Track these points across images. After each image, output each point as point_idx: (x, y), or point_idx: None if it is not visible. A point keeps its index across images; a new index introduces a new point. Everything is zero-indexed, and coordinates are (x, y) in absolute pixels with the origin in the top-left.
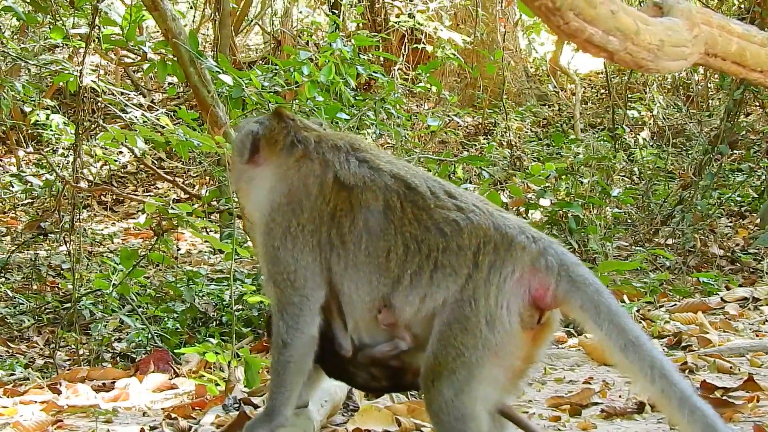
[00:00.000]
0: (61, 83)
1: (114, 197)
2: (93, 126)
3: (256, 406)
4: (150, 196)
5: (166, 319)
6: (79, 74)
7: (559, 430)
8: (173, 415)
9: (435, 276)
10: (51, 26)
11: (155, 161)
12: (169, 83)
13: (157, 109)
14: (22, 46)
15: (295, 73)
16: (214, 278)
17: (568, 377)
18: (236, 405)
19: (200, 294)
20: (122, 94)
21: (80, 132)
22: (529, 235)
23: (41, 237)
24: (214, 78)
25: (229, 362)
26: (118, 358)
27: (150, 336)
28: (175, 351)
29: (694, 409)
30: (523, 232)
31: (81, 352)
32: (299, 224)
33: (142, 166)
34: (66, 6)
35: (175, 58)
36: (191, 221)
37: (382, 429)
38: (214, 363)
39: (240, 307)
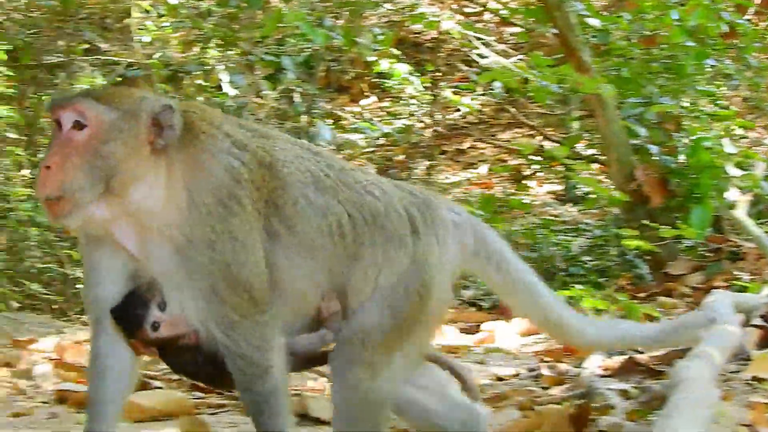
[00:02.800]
0: (401, 33)
1: (456, 147)
2: (448, 72)
3: (639, 352)
4: (491, 146)
5: None
6: (438, 19)
7: None
8: (546, 358)
9: (388, 246)
10: None
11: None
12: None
13: (510, 56)
14: None
15: (664, 17)
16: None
17: None
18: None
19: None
20: (477, 39)
21: (435, 79)
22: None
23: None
24: (580, 22)
25: (608, 307)
26: (466, 305)
27: None
28: (556, 270)
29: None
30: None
31: None
32: (242, 223)
33: (482, 116)
34: None
35: (540, 2)
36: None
37: None
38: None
39: (588, 257)
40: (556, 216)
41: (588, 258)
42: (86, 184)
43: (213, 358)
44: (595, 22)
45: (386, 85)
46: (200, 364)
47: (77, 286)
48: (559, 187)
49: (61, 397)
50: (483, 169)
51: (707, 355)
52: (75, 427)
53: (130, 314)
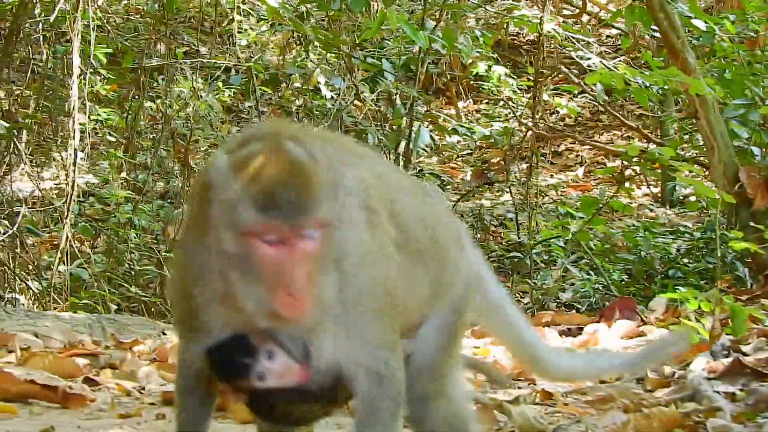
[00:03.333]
0: (500, 36)
1: (552, 150)
2: (551, 74)
3: (744, 354)
4: (588, 149)
5: (612, 270)
6: (540, 21)
7: None
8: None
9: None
10: None
11: (594, 113)
12: (620, 34)
13: (613, 58)
14: None
15: None
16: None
17: None
18: (725, 352)
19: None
20: (578, 41)
21: (539, 79)
22: None
23: (486, 186)
24: (685, 23)
25: (714, 309)
26: (563, 308)
27: (596, 287)
28: (655, 292)
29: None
30: None
31: (525, 301)
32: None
33: (580, 118)
34: None
35: (643, 4)
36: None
37: None
38: (682, 312)
39: (687, 260)
40: (653, 219)
41: (687, 261)
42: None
43: (318, 395)
44: (699, 23)
45: (484, 87)
46: (298, 403)
47: None
48: (656, 190)
49: (168, 399)
50: (580, 171)
51: None
52: None
53: (234, 361)
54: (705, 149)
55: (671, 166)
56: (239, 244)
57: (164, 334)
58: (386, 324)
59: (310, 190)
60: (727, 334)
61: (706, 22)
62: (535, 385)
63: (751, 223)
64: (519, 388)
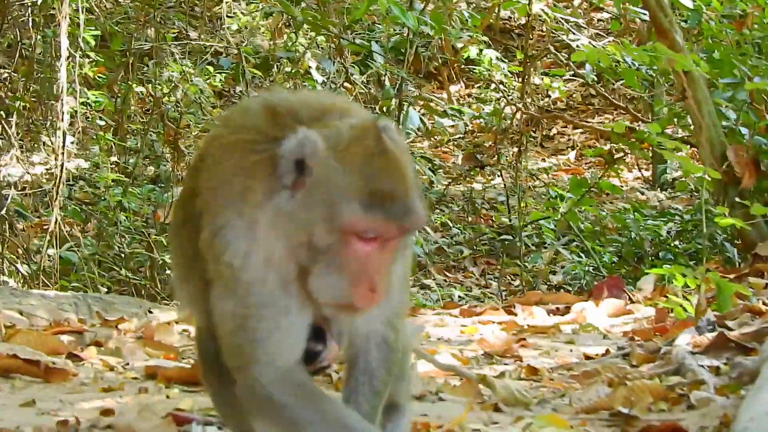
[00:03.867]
0: (491, 20)
1: (543, 134)
2: (540, 56)
3: (729, 329)
4: (579, 132)
5: (602, 252)
6: (528, 2)
7: None
8: (636, 338)
9: None
10: None
11: (585, 97)
12: (612, 17)
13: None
14: None
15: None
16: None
17: None
18: (710, 327)
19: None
20: (568, 21)
21: (527, 62)
22: None
23: (476, 170)
24: (673, 3)
25: (699, 285)
26: (553, 290)
27: (587, 269)
28: (645, 271)
29: None
30: None
31: (516, 283)
32: None
33: (571, 101)
34: None
35: None
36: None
37: None
38: (670, 290)
39: (677, 242)
40: (644, 201)
41: (676, 243)
42: None
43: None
44: (687, 2)
45: (475, 71)
46: None
47: (166, 270)
48: (647, 173)
49: (151, 373)
50: (571, 155)
51: None
52: (164, 400)
53: (309, 349)
54: (693, 129)
55: (659, 144)
56: (332, 236)
57: (150, 312)
58: (407, 292)
59: (415, 189)
60: (713, 311)
61: (693, 1)
62: (521, 361)
63: (738, 199)
64: (505, 364)
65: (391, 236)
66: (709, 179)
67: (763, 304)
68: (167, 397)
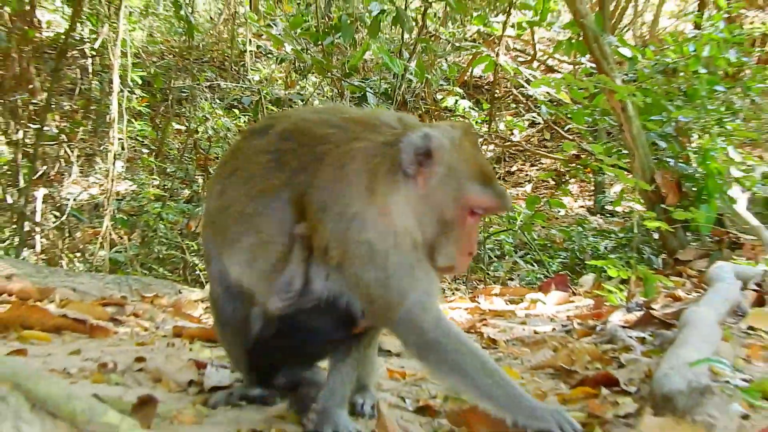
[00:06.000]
0: (467, 74)
1: (506, 170)
2: (504, 97)
3: (654, 309)
4: (536, 169)
5: (551, 263)
6: (495, 55)
7: None
8: (577, 320)
9: None
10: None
11: (540, 141)
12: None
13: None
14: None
15: (683, 48)
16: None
17: None
18: (638, 308)
19: (582, 243)
20: (526, 75)
21: (493, 107)
22: None
23: None
24: (614, 52)
25: (629, 277)
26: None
27: (539, 276)
28: (585, 264)
29: None
30: None
31: (481, 287)
32: None
33: (529, 144)
34: None
35: (580, 37)
36: (596, 168)
37: None
38: (605, 285)
39: (613, 255)
40: (588, 222)
41: (613, 255)
42: None
43: None
44: (626, 51)
45: (452, 117)
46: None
47: (196, 271)
48: (589, 203)
49: (178, 332)
50: (528, 187)
51: (712, 302)
52: (187, 353)
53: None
54: (629, 156)
55: (600, 169)
56: (456, 211)
57: (180, 292)
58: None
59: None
60: (641, 297)
61: (631, 51)
62: (483, 336)
63: (662, 205)
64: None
65: (495, 211)
66: (639, 198)
67: (682, 294)
68: (190, 350)
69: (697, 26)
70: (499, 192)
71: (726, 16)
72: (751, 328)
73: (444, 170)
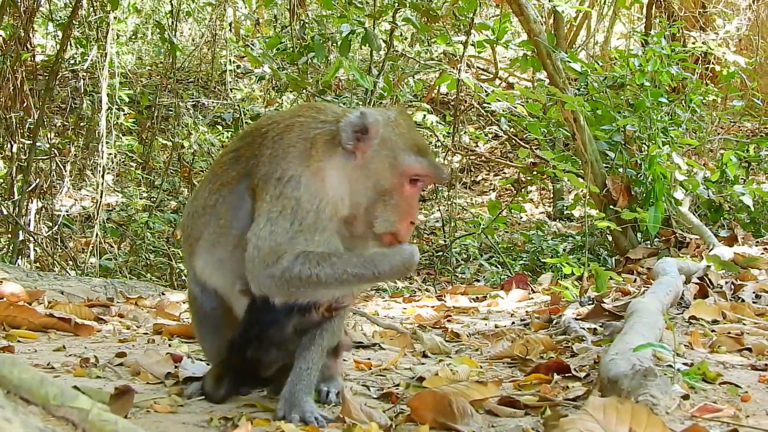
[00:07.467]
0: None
1: (472, 179)
2: (466, 115)
3: (604, 302)
4: (500, 178)
5: (513, 265)
6: (457, 71)
7: None
8: (536, 315)
9: None
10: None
11: (503, 153)
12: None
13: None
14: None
15: (629, 62)
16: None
17: None
18: (590, 302)
19: (542, 245)
20: (487, 86)
21: (456, 120)
22: None
23: (420, 203)
24: (565, 68)
25: (583, 274)
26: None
27: (502, 277)
28: (541, 261)
29: None
30: None
31: (449, 288)
32: None
33: (492, 155)
34: (452, 15)
35: (534, 53)
36: (552, 174)
37: None
38: (561, 283)
39: (571, 257)
40: (548, 226)
41: (571, 257)
42: None
43: None
44: (576, 66)
45: (420, 131)
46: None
47: (182, 277)
48: (550, 209)
49: (158, 329)
50: (492, 195)
51: (656, 293)
52: (166, 348)
53: None
54: (581, 164)
55: (555, 176)
56: (393, 180)
57: (163, 294)
58: None
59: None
60: (593, 292)
61: (581, 66)
62: (447, 330)
63: (611, 207)
64: (432, 329)
65: (431, 180)
66: (592, 201)
67: (631, 289)
68: (169, 345)
69: (644, 44)
70: (433, 162)
71: (670, 34)
72: (693, 317)
73: (380, 142)
